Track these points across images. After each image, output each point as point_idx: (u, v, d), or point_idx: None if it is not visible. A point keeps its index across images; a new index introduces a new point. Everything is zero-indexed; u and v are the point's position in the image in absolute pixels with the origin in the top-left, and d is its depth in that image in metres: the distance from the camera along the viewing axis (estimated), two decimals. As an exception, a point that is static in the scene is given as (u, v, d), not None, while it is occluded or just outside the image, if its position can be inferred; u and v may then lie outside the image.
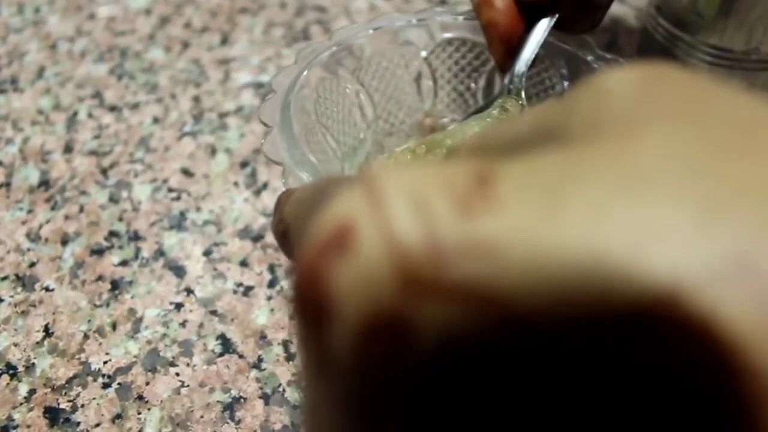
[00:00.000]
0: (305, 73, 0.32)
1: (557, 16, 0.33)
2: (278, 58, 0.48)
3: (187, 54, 0.49)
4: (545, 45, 0.35)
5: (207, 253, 0.36)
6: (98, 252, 0.36)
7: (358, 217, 0.11)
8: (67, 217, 0.38)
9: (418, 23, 0.36)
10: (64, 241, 0.37)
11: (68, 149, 0.42)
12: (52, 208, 0.39)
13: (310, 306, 0.11)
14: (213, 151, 0.41)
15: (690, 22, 0.40)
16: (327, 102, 0.34)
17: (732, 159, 0.11)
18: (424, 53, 0.37)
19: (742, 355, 0.09)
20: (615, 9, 0.53)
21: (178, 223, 0.37)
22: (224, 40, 0.50)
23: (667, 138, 0.11)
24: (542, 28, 0.33)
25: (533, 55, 0.33)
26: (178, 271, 0.35)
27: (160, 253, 0.36)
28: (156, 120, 0.43)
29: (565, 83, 0.36)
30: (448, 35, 0.37)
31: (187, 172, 0.40)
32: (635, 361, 0.10)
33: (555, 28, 0.34)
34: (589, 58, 0.34)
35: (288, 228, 0.18)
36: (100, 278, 0.35)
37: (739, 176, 0.10)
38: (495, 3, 0.34)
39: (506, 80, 0.34)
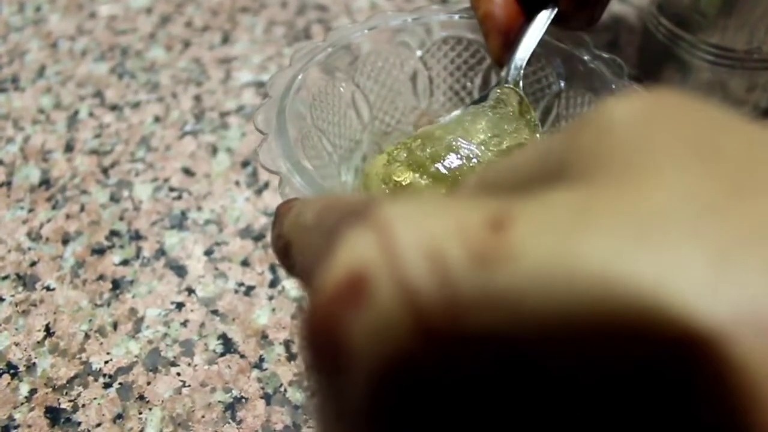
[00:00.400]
0: (300, 75, 0.32)
1: (556, 10, 0.33)
2: (279, 57, 0.48)
3: (188, 53, 0.49)
4: (542, 42, 0.34)
5: (208, 252, 0.36)
6: (99, 251, 0.36)
7: (370, 266, 0.11)
8: (68, 217, 0.38)
9: (414, 22, 0.36)
10: (65, 241, 0.37)
11: (69, 148, 0.42)
12: (53, 208, 0.39)
13: (326, 356, 0.11)
14: (214, 151, 0.41)
15: (691, 22, 0.40)
16: (323, 105, 0.34)
17: (745, 197, 0.11)
18: (419, 52, 0.37)
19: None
20: (616, 8, 0.53)
21: (179, 223, 0.37)
22: (225, 39, 0.50)
23: (678, 176, 0.11)
24: (541, 21, 0.33)
25: (531, 49, 0.33)
26: (180, 270, 0.35)
27: (161, 252, 0.36)
28: (157, 119, 0.43)
29: (562, 83, 0.35)
30: (443, 34, 0.37)
31: (188, 172, 0.40)
32: (662, 401, 0.10)
33: (553, 24, 0.33)
34: (586, 57, 0.34)
35: (289, 245, 0.18)
36: (101, 278, 0.35)
37: (754, 216, 0.10)
38: None
39: (503, 73, 0.33)
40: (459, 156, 0.31)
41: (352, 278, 0.11)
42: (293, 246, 0.17)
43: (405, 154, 0.31)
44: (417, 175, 0.31)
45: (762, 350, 0.09)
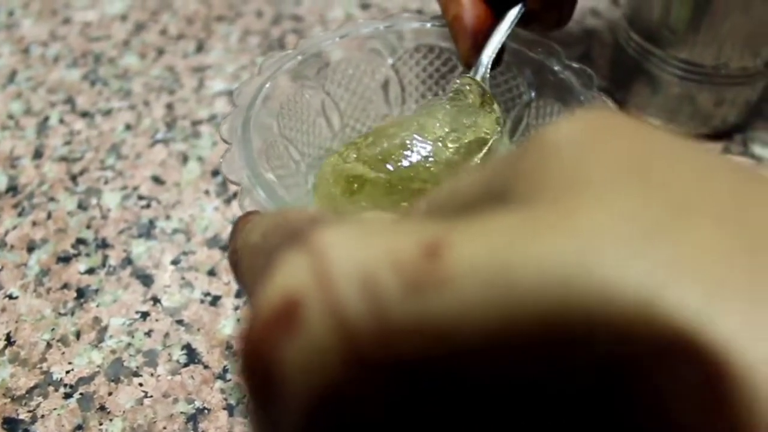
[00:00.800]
0: (268, 84, 0.32)
1: (524, 9, 0.33)
2: (253, 66, 0.47)
3: (161, 61, 0.48)
4: (514, 52, 0.35)
5: (175, 261, 0.36)
6: (65, 259, 0.36)
7: (304, 292, 0.11)
8: (34, 224, 0.38)
9: (386, 30, 0.36)
10: (30, 248, 0.37)
11: (38, 155, 0.42)
12: (19, 215, 0.38)
13: (259, 382, 0.11)
14: (185, 159, 0.41)
15: (661, 37, 0.40)
16: (291, 113, 0.34)
17: (681, 218, 0.11)
18: (391, 60, 0.37)
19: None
20: (589, 22, 0.53)
21: (147, 231, 0.37)
22: (200, 48, 0.50)
23: (617, 197, 0.11)
24: (509, 19, 0.33)
25: (498, 46, 0.33)
26: (146, 279, 0.35)
27: (127, 261, 0.36)
28: (128, 127, 0.43)
29: (532, 92, 0.36)
30: (415, 42, 0.37)
31: (158, 180, 0.40)
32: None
33: (522, 24, 0.34)
34: (557, 67, 0.34)
35: (239, 262, 0.17)
36: (65, 286, 0.35)
37: (690, 237, 0.10)
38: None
39: (471, 73, 0.33)
40: (413, 154, 0.30)
41: (287, 303, 0.11)
42: (241, 264, 0.17)
43: (355, 154, 0.31)
44: (367, 175, 0.30)
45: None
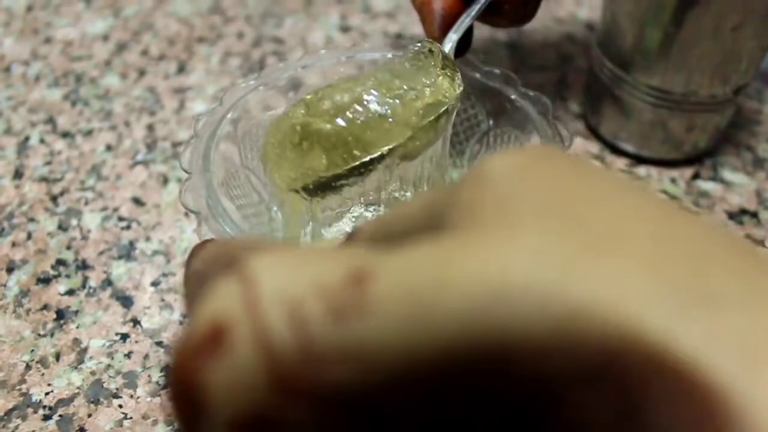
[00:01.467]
0: (229, 115, 0.33)
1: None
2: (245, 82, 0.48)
3: (143, 81, 0.49)
4: (473, 81, 0.36)
5: (155, 283, 0.36)
6: (44, 281, 0.36)
7: (232, 317, 0.11)
8: (14, 244, 0.38)
9: (347, 60, 0.37)
10: (10, 269, 0.37)
11: (18, 175, 0.42)
12: (-1, 235, 0.39)
13: (184, 403, 0.12)
14: (165, 181, 0.41)
15: (632, 64, 0.41)
16: (252, 143, 0.35)
17: (593, 252, 0.11)
18: None
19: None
20: (565, 47, 0.54)
21: (127, 253, 0.37)
22: (181, 69, 0.50)
23: (541, 231, 0.12)
24: (476, 6, 0.34)
25: (465, 29, 0.34)
26: (126, 301, 0.35)
27: (107, 282, 0.36)
28: (109, 148, 0.43)
29: (491, 121, 0.37)
30: None
31: (138, 201, 0.40)
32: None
33: (488, 15, 0.35)
34: (513, 96, 0.35)
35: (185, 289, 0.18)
36: (45, 307, 0.35)
37: (603, 268, 0.11)
38: None
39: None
40: (367, 108, 0.29)
41: (215, 329, 0.11)
42: (185, 290, 0.17)
43: (303, 111, 0.30)
44: (316, 126, 0.29)
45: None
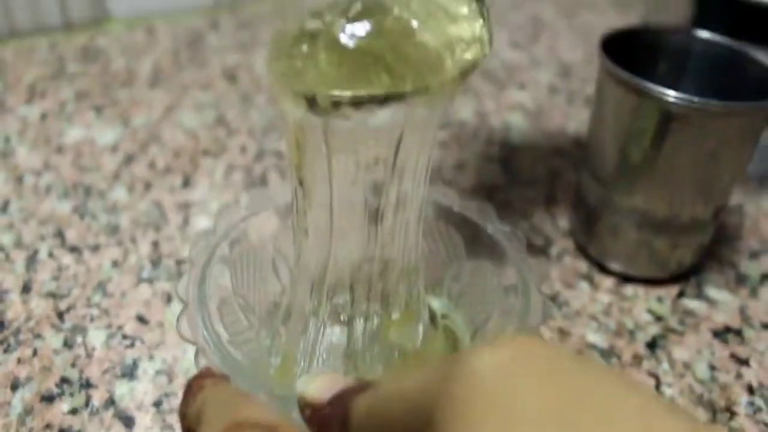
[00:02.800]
0: (223, 243, 0.35)
1: None
2: (236, 204, 0.50)
3: (149, 195, 0.51)
4: (448, 212, 0.39)
5: (157, 403, 0.37)
6: (48, 399, 0.37)
7: None
8: (19, 361, 0.39)
9: None
10: (15, 386, 0.38)
11: (26, 289, 0.43)
12: (5, 351, 0.40)
13: None
14: (168, 299, 0.42)
15: (616, 187, 0.43)
16: (244, 271, 0.37)
17: None
18: None
19: None
20: (554, 162, 0.57)
21: (131, 372, 0.39)
22: (186, 182, 0.52)
23: None
24: None
25: None
26: (127, 421, 0.36)
27: (110, 401, 0.37)
28: (115, 264, 0.45)
29: (468, 252, 0.39)
30: None
31: (142, 320, 0.41)
32: None
33: None
34: (489, 230, 0.37)
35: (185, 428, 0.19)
36: (48, 426, 0.36)
37: None
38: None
39: None
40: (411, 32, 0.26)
41: None
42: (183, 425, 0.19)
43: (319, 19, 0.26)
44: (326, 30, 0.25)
45: None
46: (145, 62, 0.69)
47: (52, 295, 0.43)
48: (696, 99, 0.38)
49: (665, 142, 0.40)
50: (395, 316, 0.34)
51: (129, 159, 0.55)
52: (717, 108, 0.38)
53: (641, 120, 0.40)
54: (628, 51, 0.44)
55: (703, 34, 0.46)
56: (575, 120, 0.63)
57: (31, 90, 0.64)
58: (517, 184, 0.54)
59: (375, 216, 0.30)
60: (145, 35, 0.75)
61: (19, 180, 0.53)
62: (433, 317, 0.39)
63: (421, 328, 0.36)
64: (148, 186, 0.52)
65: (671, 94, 0.38)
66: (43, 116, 0.60)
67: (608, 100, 0.42)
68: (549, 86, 0.69)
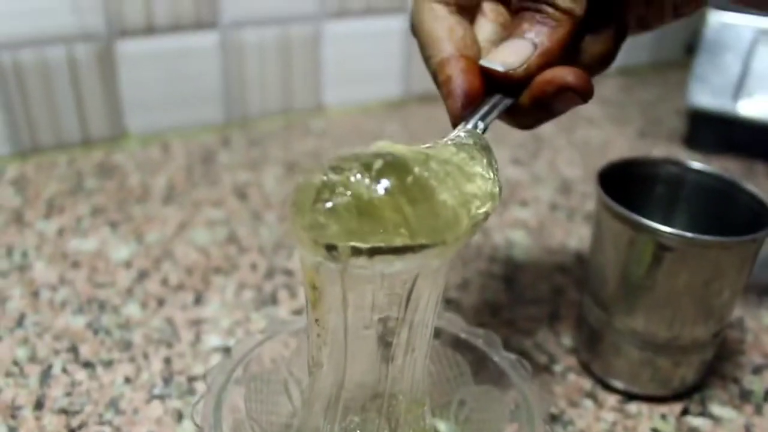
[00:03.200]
0: (239, 368, 0.37)
1: (513, 100, 0.35)
2: (247, 322, 0.51)
3: (161, 312, 0.52)
4: (454, 340, 0.40)
5: None
6: None
7: None
8: (31, 481, 0.40)
9: None
10: (26, 508, 0.38)
11: (39, 405, 0.44)
12: (17, 470, 0.40)
13: None
14: (180, 417, 0.43)
15: (616, 310, 0.45)
16: (258, 395, 0.38)
17: None
18: None
19: None
20: (557, 279, 0.58)
21: (140, 492, 0.39)
22: (197, 300, 0.54)
23: None
24: (499, 104, 0.34)
25: (489, 119, 0.33)
26: None
27: None
28: (127, 380, 0.46)
29: (474, 377, 0.40)
30: None
31: (153, 438, 0.42)
32: None
33: (506, 114, 0.35)
34: (495, 358, 0.39)
35: None
36: None
37: None
38: (454, 62, 0.35)
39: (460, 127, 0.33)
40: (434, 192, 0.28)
41: None
42: None
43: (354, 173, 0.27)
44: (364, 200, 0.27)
45: None
46: (159, 178, 0.72)
47: (65, 412, 0.44)
48: (689, 234, 0.40)
49: (662, 271, 0.41)
50: None
51: (142, 275, 0.56)
52: (710, 242, 0.40)
53: (638, 250, 0.42)
54: (625, 179, 0.46)
55: (697, 165, 0.49)
56: (576, 236, 0.65)
57: (50, 205, 0.66)
58: (520, 303, 0.55)
59: (386, 356, 0.32)
60: (160, 151, 0.78)
61: (35, 294, 0.54)
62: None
63: None
64: (160, 302, 0.53)
65: (665, 230, 0.40)
66: (60, 231, 0.62)
67: (606, 229, 0.44)
68: (550, 203, 0.71)
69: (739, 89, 0.78)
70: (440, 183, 0.28)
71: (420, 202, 0.27)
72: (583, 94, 0.34)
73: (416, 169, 0.28)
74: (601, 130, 0.90)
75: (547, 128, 0.88)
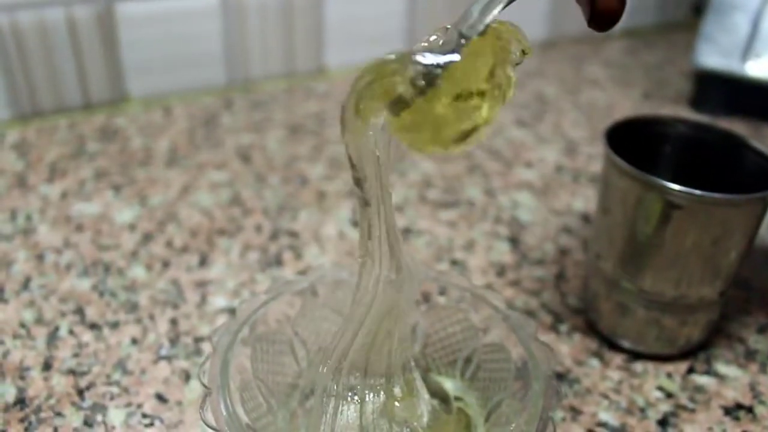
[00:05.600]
0: (244, 329, 0.37)
1: None
2: (252, 283, 0.51)
3: (167, 274, 0.52)
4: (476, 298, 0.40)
5: (175, 483, 0.38)
6: (68, 478, 0.38)
7: None
8: (40, 440, 0.40)
9: (351, 276, 0.41)
10: (36, 466, 0.38)
11: (47, 366, 0.44)
12: (26, 430, 0.40)
13: None
14: (187, 378, 0.43)
15: (624, 270, 0.44)
16: (263, 354, 0.38)
17: None
18: None
19: None
20: (562, 240, 0.58)
21: (149, 451, 0.39)
22: (203, 261, 0.54)
23: None
24: None
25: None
26: (146, 501, 0.37)
27: (129, 481, 0.38)
28: (134, 341, 0.46)
29: (482, 333, 0.41)
30: None
31: (161, 398, 0.42)
32: None
33: None
34: (501, 316, 0.40)
35: None
36: (68, 507, 0.36)
37: None
38: None
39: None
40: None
41: None
42: None
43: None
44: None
45: None
46: (162, 141, 0.71)
47: (73, 373, 0.44)
48: (698, 192, 0.39)
49: (670, 229, 0.41)
50: (397, 391, 0.36)
51: (147, 237, 0.56)
52: (719, 200, 0.40)
53: (646, 208, 0.42)
54: (632, 138, 0.46)
55: (704, 123, 0.48)
56: (582, 198, 0.65)
57: (52, 169, 0.66)
58: (526, 263, 0.55)
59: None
60: (162, 115, 0.77)
61: (40, 258, 0.54)
62: (446, 399, 0.40)
63: (423, 405, 0.37)
64: (166, 264, 0.53)
65: (674, 187, 0.40)
66: (64, 195, 0.62)
67: (613, 187, 0.43)
68: (555, 164, 0.71)
69: (747, 49, 0.77)
70: None
71: None
72: None
73: None
74: (605, 93, 0.90)
75: (551, 90, 0.88)
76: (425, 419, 0.36)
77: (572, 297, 0.52)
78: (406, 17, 0.90)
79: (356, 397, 0.35)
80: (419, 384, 0.37)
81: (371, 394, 0.35)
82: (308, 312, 0.41)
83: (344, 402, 0.35)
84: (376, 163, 0.31)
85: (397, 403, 0.35)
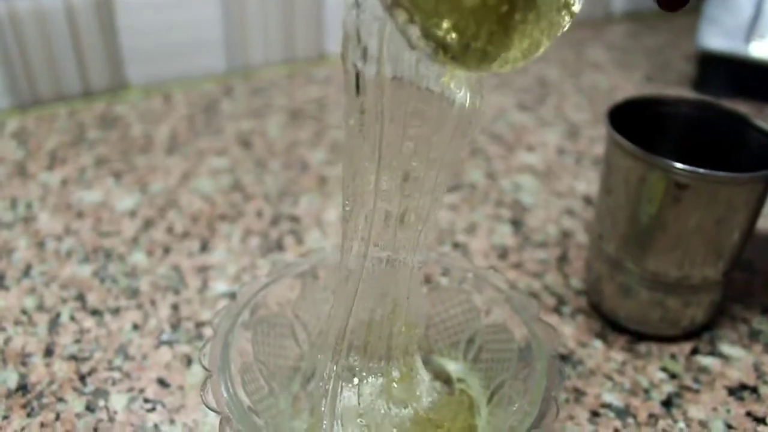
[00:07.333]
0: (245, 312, 0.37)
1: None
2: (253, 268, 0.51)
3: (168, 260, 0.52)
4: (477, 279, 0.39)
5: (177, 467, 0.37)
6: (71, 463, 0.38)
7: None
8: (42, 425, 0.40)
9: None
10: (38, 451, 0.38)
11: (49, 353, 0.44)
12: (28, 415, 0.40)
13: None
14: (189, 362, 0.43)
15: (627, 251, 0.44)
16: (264, 337, 0.38)
17: None
18: None
19: None
20: (565, 222, 0.58)
21: (151, 435, 0.39)
22: (204, 247, 0.53)
23: None
24: None
25: None
26: (148, 485, 0.37)
27: (131, 466, 0.38)
28: (135, 327, 0.46)
29: (484, 315, 0.40)
30: None
31: (163, 383, 0.42)
32: None
33: None
34: (504, 297, 0.39)
35: None
36: (71, 491, 0.36)
37: None
38: None
39: None
40: None
41: None
42: None
43: None
44: None
45: None
46: (162, 128, 0.71)
47: (74, 358, 0.44)
48: (702, 170, 0.39)
49: (674, 209, 0.41)
50: (395, 374, 0.35)
51: (147, 224, 0.56)
52: (723, 178, 0.39)
53: (649, 188, 0.41)
54: (635, 118, 0.45)
55: (707, 102, 0.48)
56: (584, 180, 0.64)
57: (52, 157, 0.65)
58: (528, 246, 0.55)
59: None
60: (162, 102, 0.77)
61: (41, 245, 0.54)
62: (449, 381, 0.40)
63: (423, 387, 0.36)
64: (166, 250, 0.53)
65: (678, 166, 0.39)
66: (64, 182, 0.61)
67: (616, 168, 0.43)
68: (557, 147, 0.70)
69: (751, 31, 0.77)
70: None
71: None
72: None
73: None
74: (607, 76, 0.89)
75: (552, 73, 0.87)
76: (425, 400, 0.36)
77: (575, 279, 0.51)
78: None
79: (355, 379, 0.35)
80: (419, 366, 0.37)
81: (370, 376, 0.35)
82: (309, 295, 0.40)
83: (343, 383, 0.35)
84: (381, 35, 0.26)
85: (395, 384, 0.35)
